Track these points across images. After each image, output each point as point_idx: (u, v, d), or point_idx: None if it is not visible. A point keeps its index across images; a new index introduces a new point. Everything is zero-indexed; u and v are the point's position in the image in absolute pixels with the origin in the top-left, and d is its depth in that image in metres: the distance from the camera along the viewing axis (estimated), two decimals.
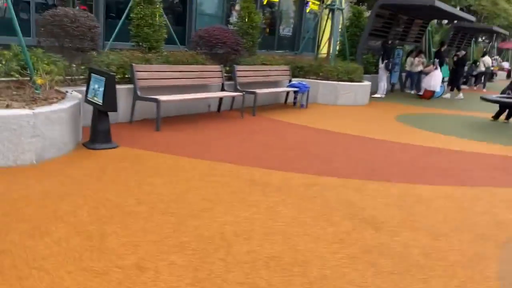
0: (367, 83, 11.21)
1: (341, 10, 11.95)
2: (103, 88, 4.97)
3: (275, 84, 9.75)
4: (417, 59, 14.05)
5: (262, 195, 3.97)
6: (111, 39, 8.29)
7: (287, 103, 10.13)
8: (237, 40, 8.73)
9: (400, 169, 5.20)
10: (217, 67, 7.93)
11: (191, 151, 5.33)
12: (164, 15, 8.28)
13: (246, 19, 9.60)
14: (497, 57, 28.01)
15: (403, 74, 15.13)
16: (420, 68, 13.86)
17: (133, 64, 6.51)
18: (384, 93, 12.95)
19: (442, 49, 14.54)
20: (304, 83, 9.79)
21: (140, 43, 7.87)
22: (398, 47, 14.32)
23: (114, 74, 5.25)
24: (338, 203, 3.91)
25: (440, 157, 6.00)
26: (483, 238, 3.38)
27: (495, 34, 27.26)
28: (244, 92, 7.88)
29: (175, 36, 9.22)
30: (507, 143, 7.34)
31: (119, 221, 3.20)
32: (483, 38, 35.11)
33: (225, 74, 8.32)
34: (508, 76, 29.39)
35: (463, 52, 15.36)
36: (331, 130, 7.43)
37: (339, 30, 13.06)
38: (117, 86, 6.02)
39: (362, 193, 4.25)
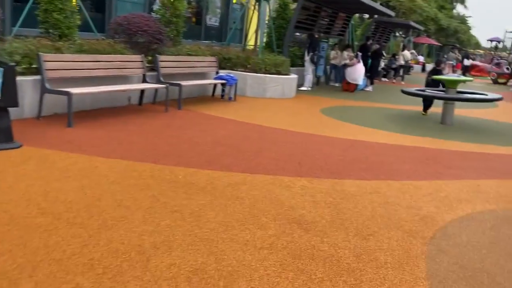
0: (294, 76, 11.22)
1: (268, 1, 11.82)
2: (1, 80, 4.35)
3: (201, 76, 9.39)
4: (345, 53, 14.37)
5: (186, 198, 3.67)
6: (17, 25, 7.44)
7: (214, 96, 9.83)
8: (160, 28, 8.25)
9: (327, 164, 5.15)
10: (137, 57, 7.42)
11: (108, 150, 4.87)
12: (79, 0, 7.57)
13: (169, 7, 9.11)
14: (414, 51, 29.74)
15: (328, 67, 15.43)
16: (337, 61, 14.23)
17: (40, 54, 5.84)
18: (310, 85, 13.09)
19: (368, 43, 15.00)
20: (232, 75, 9.54)
21: (50, 30, 7.13)
22: (323, 40, 14.53)
23: (14, 64, 4.62)
24: (267, 203, 3.72)
25: (365, 151, 6.06)
26: (411, 234, 3.36)
27: (411, 29, 28.93)
28: (167, 84, 7.46)
29: (91, 23, 8.51)
30: (426, 135, 7.64)
31: (16, 237, 2.74)
32: (400, 33, 37.17)
33: (148, 65, 7.83)
34: (423, 70, 31.38)
35: (377, 46, 15.94)
36: (259, 124, 7.27)
37: (266, 21, 12.96)
38: (22, 78, 5.39)
39: (291, 190, 4.10)
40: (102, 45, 7.16)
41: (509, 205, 4.27)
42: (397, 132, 7.69)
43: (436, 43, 37.73)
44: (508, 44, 45.13)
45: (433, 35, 43.48)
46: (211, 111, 8.00)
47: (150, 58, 8.10)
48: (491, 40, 52.06)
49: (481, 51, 53.07)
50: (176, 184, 3.97)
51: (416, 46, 35.43)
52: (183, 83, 7.81)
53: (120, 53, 7.32)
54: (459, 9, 58.79)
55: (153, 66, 7.97)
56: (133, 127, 6.12)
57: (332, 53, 14.88)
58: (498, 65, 26.03)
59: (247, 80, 10.40)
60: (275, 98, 10.52)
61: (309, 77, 12.98)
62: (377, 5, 14.19)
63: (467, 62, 29.74)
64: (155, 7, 13.23)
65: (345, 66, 13.91)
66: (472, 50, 57.56)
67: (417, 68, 29.89)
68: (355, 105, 10.93)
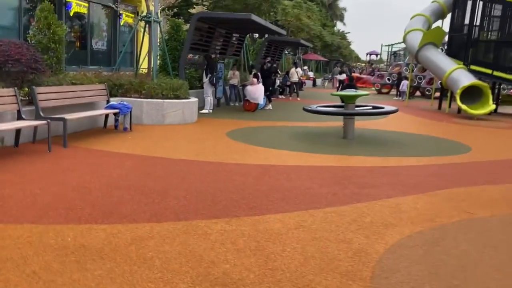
0: (194, 100, 10.67)
1: (158, 22, 11.19)
2: None
3: (90, 106, 8.40)
4: (231, 72, 14.29)
5: (79, 269, 2.89)
6: None
7: (107, 127, 8.87)
8: (35, 56, 7.15)
9: (243, 197, 4.66)
10: (8, 91, 6.27)
11: None
12: None
13: (46, 32, 8.01)
14: (306, 67, 31.09)
15: (227, 88, 15.18)
16: (235, 81, 14.12)
17: None
18: (211, 108, 12.65)
19: (266, 61, 15.06)
20: (125, 103, 8.69)
21: None
22: (220, 61, 14.25)
23: None
24: (182, 261, 3.09)
25: (279, 176, 5.70)
26: (349, 277, 2.98)
27: (300, 47, 30.24)
28: (48, 120, 6.42)
29: None
30: (333, 152, 7.58)
31: None
32: (289, 50, 38.84)
33: (23, 99, 6.71)
34: (314, 84, 32.94)
35: (268, 65, 16.12)
36: (162, 156, 6.56)
37: (158, 44, 12.28)
38: None
39: (209, 238, 3.52)
40: None
41: (432, 223, 4.16)
42: (305, 151, 7.52)
43: (323, 59, 40.08)
44: (384, 57, 49.68)
45: (319, 51, 46.26)
46: (103, 146, 7.09)
47: (26, 90, 6.97)
48: (370, 54, 56.80)
49: (362, 64, 57.66)
50: (64, 251, 3.15)
51: (305, 62, 37.20)
52: (68, 116, 6.82)
53: None
54: (339, 26, 63.63)
55: (30, 100, 6.85)
56: (5, 175, 5.04)
57: (230, 73, 14.69)
58: (380, 76, 28.23)
59: (143, 106, 9.60)
60: (176, 124, 9.86)
61: (209, 99, 12.54)
62: (270, 25, 14.34)
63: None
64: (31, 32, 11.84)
65: (244, 86, 13.75)
66: (354, 64, 62.42)
67: (309, 83, 31.30)
68: (259, 126, 10.70)
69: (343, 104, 9.58)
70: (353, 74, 39.65)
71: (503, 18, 17.41)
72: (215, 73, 12.67)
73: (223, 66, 14.56)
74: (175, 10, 18.47)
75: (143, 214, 4.00)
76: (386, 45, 45.69)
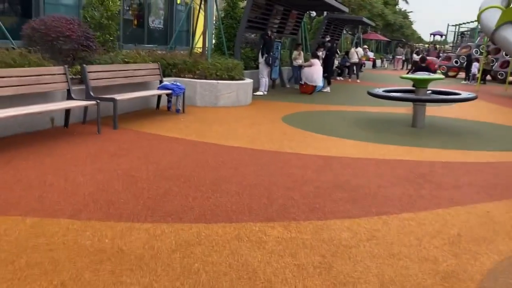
0: (249, 81, 10.14)
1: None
2: None
3: (142, 86, 8.10)
4: (295, 52, 13.49)
5: (113, 283, 2.46)
6: None
7: (159, 109, 8.56)
8: (86, 33, 6.87)
9: (302, 195, 4.09)
10: (58, 69, 6.02)
11: (6, 201, 3.55)
12: None
13: (99, 8, 7.74)
14: (366, 47, 29.56)
15: (288, 68, 14.50)
16: (300, 61, 13.31)
17: None
18: (266, 89, 12.08)
19: (327, 40, 14.22)
20: (178, 83, 8.31)
21: None
22: (276, 40, 13.55)
23: None
24: (233, 277, 2.58)
25: (342, 171, 5.06)
26: None
27: (360, 26, 28.73)
28: (98, 100, 6.13)
29: (4, 29, 7.00)
30: (402, 142, 6.79)
31: None
32: (347, 30, 37.06)
33: (74, 77, 6.47)
34: (373, 66, 31.34)
35: (328, 44, 15.18)
36: (214, 143, 6.11)
37: (214, 22, 11.80)
38: None
39: (264, 248, 2.99)
40: (12, 55, 5.73)
41: None
42: (369, 141, 6.78)
43: (384, 39, 37.99)
44: (450, 38, 46.52)
45: (380, 31, 44.01)
46: (155, 128, 6.75)
47: (77, 68, 6.73)
48: (434, 34, 53.47)
49: (425, 45, 54.43)
50: (99, 256, 2.75)
51: (364, 42, 35.48)
52: (119, 97, 6.51)
53: (38, 65, 5.92)
54: (401, 5, 60.27)
55: (81, 79, 6.61)
56: (51, 159, 4.78)
57: (294, 54, 13.93)
58: (447, 58, 26.26)
59: (197, 88, 9.20)
60: (229, 106, 9.39)
61: (264, 81, 11.96)
62: (332, 1, 13.41)
63: (416, 57, 29.87)
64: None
65: (301, 67, 13.00)
66: (415, 44, 59.13)
67: (368, 64, 29.76)
68: (318, 110, 10.01)
69: (410, 88, 8.64)
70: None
71: None
72: (271, 53, 12.04)
73: (280, 45, 13.87)
74: None
75: (190, 212, 3.54)
76: (453, 25, 42.81)
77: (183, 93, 8.24)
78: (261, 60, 11.85)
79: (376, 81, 18.50)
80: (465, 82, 21.57)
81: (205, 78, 9.35)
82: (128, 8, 13.74)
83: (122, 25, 12.45)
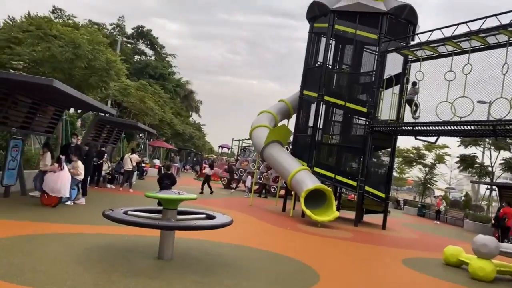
0: None
1: None
2: None
3: None
4: (41, 151, 10.94)
5: None
6: None
7: None
8: None
9: None
10: None
11: None
12: None
13: None
14: (146, 158, 28.34)
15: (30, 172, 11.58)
16: (44, 164, 10.78)
17: None
18: None
19: (74, 141, 12.02)
20: None
21: None
22: (15, 137, 10.75)
23: None
24: None
25: None
26: None
27: (146, 132, 27.78)
28: None
29: None
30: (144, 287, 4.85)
31: None
32: (140, 135, 36.08)
33: None
34: (159, 172, 30.13)
35: (86, 148, 13.12)
36: None
37: None
38: None
39: None
40: None
41: None
42: None
43: (170, 147, 37.91)
44: (235, 151, 50.13)
45: (171, 139, 44.43)
46: None
47: None
48: (222, 147, 57.14)
49: (214, 156, 57.35)
50: None
51: (153, 149, 34.70)
52: None
53: None
54: (195, 117, 63.69)
55: None
56: None
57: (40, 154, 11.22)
58: (229, 170, 26.96)
59: None
60: None
61: None
62: (95, 102, 11.66)
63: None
64: None
65: (45, 172, 10.42)
66: (206, 155, 62.01)
67: (153, 171, 28.47)
68: (50, 233, 7.46)
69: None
70: (205, 165, 38.34)
71: (344, 122, 17.79)
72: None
73: (22, 143, 11.07)
74: None
75: None
76: (237, 140, 46.41)
77: None
78: None
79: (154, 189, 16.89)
80: (246, 196, 21.92)
81: None
82: None
83: None
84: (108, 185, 17.04)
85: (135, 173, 20.68)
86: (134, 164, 17.22)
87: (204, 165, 36.10)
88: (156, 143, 33.13)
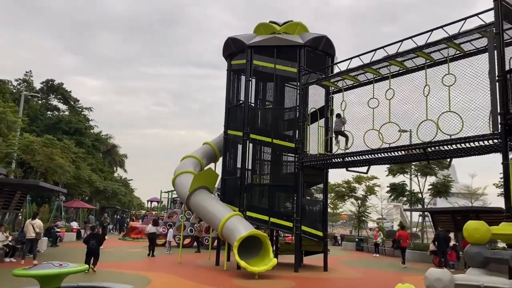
0: None
1: None
2: None
3: None
4: None
5: None
6: None
7: None
8: None
9: None
10: None
11: None
12: None
13: None
14: (63, 221, 25.29)
15: None
16: None
17: None
18: None
19: None
20: None
21: None
22: None
23: None
24: None
25: None
26: None
27: (60, 193, 24.91)
28: None
29: None
30: None
31: None
32: (60, 196, 32.40)
33: None
34: (77, 237, 26.95)
35: None
36: None
37: None
38: None
39: None
40: None
41: None
42: None
43: (89, 206, 34.45)
44: (166, 203, 47.46)
45: (94, 198, 40.95)
46: None
47: None
48: (151, 201, 54.08)
49: (143, 212, 53.92)
50: None
51: (68, 210, 31.42)
52: None
53: None
54: (120, 172, 60.18)
55: None
56: None
57: None
58: (155, 223, 24.70)
59: None
60: None
61: None
62: None
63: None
64: None
65: None
66: (134, 211, 58.20)
67: (70, 236, 25.36)
68: None
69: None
70: (132, 222, 35.35)
71: (273, 161, 16.82)
72: None
73: None
74: None
75: None
76: (165, 192, 43.89)
77: None
78: None
79: (71, 257, 14.47)
80: (167, 251, 19.87)
81: None
82: None
83: None
84: (7, 259, 14.35)
85: (45, 241, 18.02)
86: (38, 230, 14.73)
87: (132, 223, 33.24)
88: (73, 204, 29.97)
